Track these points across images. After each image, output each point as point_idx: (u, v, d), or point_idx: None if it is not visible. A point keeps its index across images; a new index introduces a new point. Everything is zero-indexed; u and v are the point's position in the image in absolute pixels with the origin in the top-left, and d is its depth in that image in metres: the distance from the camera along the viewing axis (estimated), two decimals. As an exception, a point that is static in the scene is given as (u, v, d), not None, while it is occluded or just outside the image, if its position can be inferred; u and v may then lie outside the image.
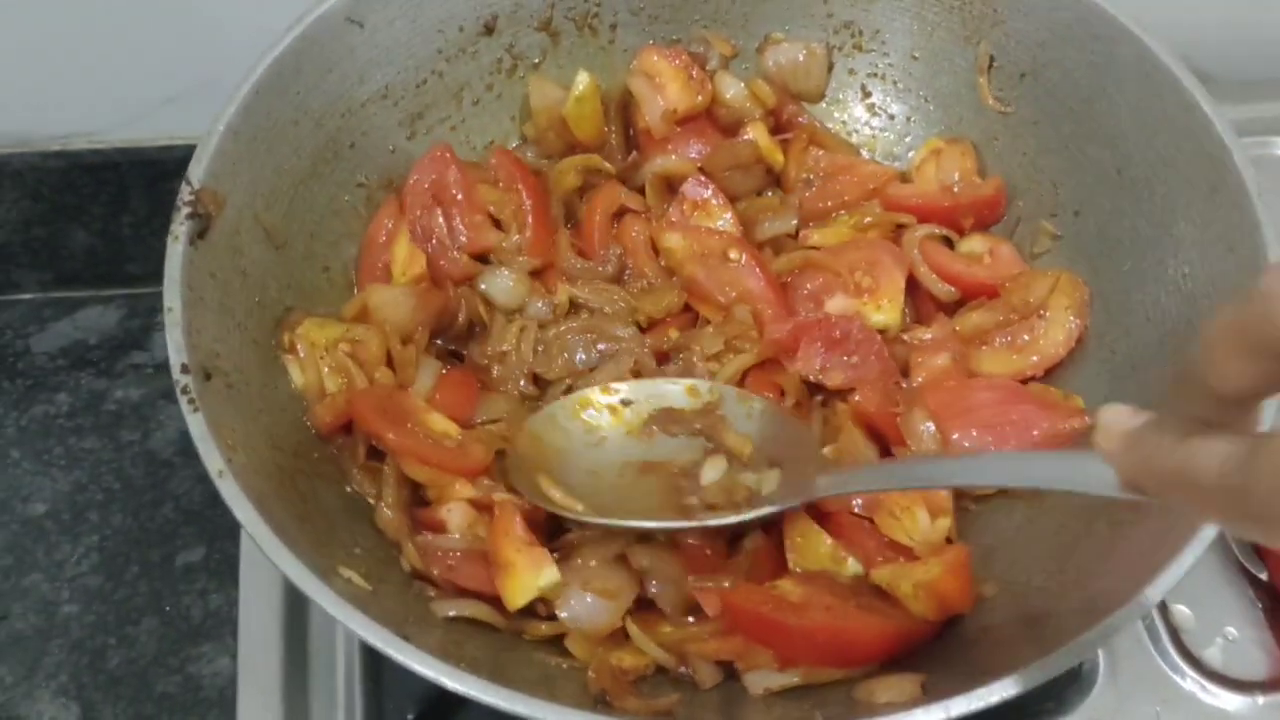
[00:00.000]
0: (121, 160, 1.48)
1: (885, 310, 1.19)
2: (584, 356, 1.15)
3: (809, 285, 1.21)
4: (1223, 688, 1.15)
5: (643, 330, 1.17)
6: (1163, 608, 1.19)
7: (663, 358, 1.16)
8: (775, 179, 1.30)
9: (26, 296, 1.59)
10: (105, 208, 1.52)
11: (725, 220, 1.23)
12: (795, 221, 1.24)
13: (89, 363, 1.55)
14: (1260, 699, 1.15)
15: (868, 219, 1.25)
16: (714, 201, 1.23)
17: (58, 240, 1.54)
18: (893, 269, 1.20)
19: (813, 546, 1.04)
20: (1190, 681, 1.15)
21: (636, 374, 1.13)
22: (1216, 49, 1.54)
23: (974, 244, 1.26)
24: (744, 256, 1.19)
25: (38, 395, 1.51)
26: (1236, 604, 1.21)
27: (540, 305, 1.17)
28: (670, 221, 1.23)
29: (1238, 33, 1.55)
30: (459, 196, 1.20)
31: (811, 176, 1.28)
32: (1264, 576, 1.20)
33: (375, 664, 1.15)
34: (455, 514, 1.05)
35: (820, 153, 1.29)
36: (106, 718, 1.30)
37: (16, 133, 1.45)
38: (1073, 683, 1.16)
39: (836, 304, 1.19)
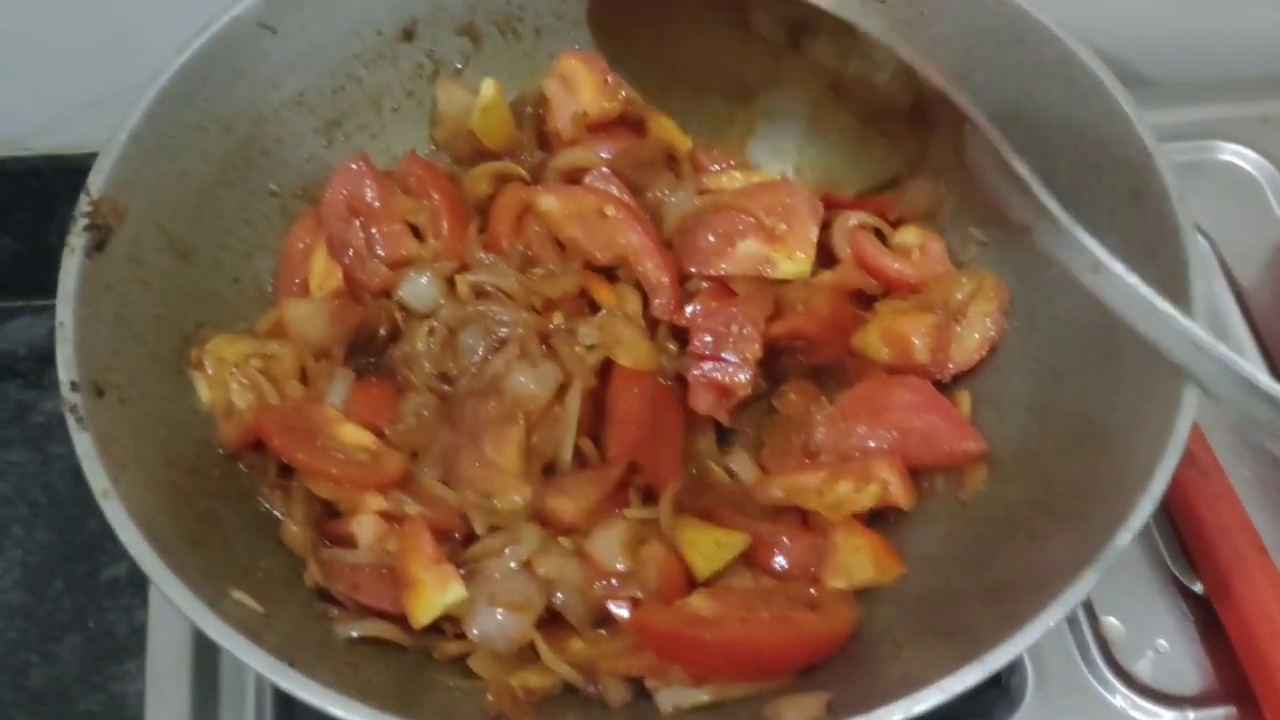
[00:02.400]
0: (45, 167, 1.47)
1: (796, 261, 1.17)
2: (482, 346, 1.12)
3: (720, 228, 1.18)
4: (1153, 702, 1.14)
5: (540, 314, 1.15)
6: (1093, 620, 1.17)
7: (545, 340, 1.14)
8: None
9: (-48, 308, 1.57)
10: (30, 214, 1.50)
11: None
12: (696, 199, 1.21)
13: (17, 374, 1.53)
14: (1191, 714, 1.13)
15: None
16: (615, 191, 1.20)
17: (-18, 249, 1.53)
18: (807, 218, 1.18)
19: (701, 542, 1.04)
20: (1120, 696, 1.14)
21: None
22: (1155, 53, 1.54)
23: (908, 236, 1.24)
24: (620, 211, 1.17)
25: (-37, 407, 1.49)
26: (1169, 616, 1.19)
27: (453, 308, 1.14)
28: (546, 185, 1.21)
29: (1176, 37, 1.55)
30: (376, 207, 1.18)
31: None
32: (1198, 589, 1.19)
33: (287, 684, 1.13)
34: (365, 527, 1.03)
35: None
36: (27, 736, 1.28)
37: (-66, 139, 1.43)
38: (1001, 698, 1.14)
39: (747, 247, 1.17)
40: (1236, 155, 1.49)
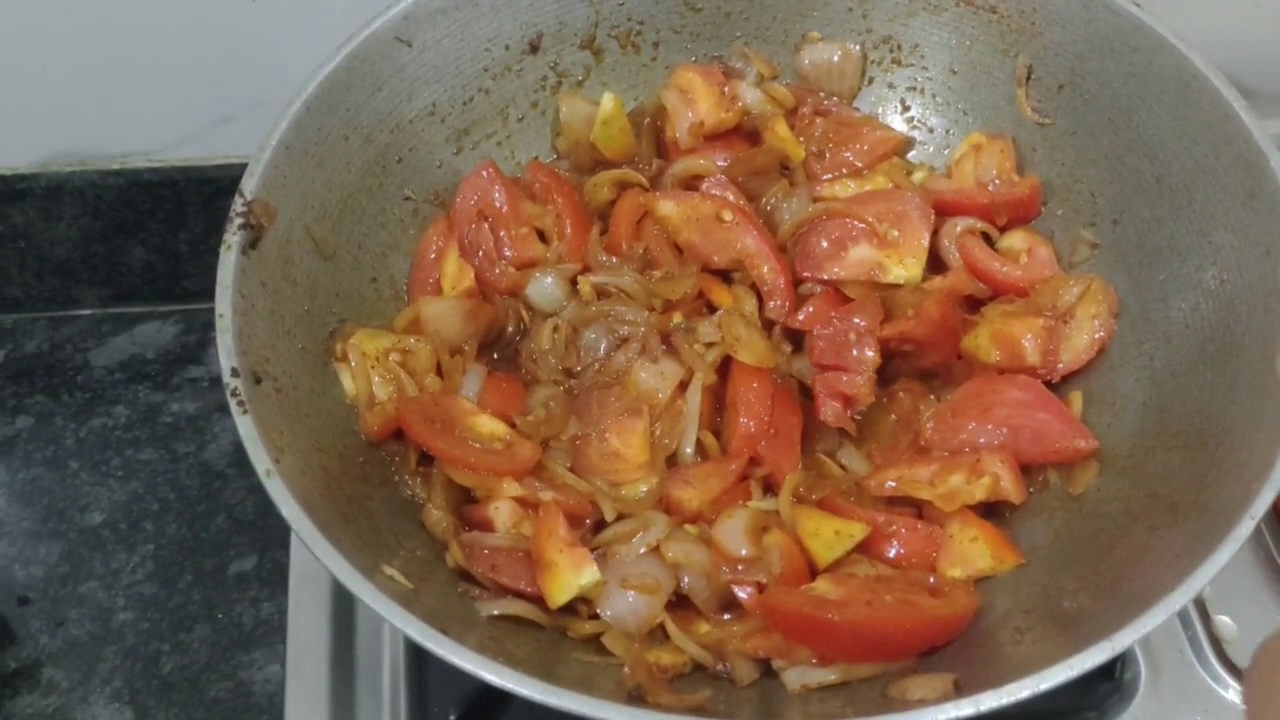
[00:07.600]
0: (179, 178, 1.53)
1: (907, 266, 1.20)
2: (605, 343, 1.17)
3: (834, 234, 1.21)
4: (1266, 698, 1.15)
5: (660, 314, 1.19)
6: (1205, 618, 1.19)
7: (666, 339, 1.17)
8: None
9: (87, 312, 1.64)
10: (163, 224, 1.57)
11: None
12: (809, 206, 1.25)
13: (146, 376, 1.59)
14: (1305, 709, 1.14)
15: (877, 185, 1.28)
16: (731, 197, 1.24)
17: (117, 257, 1.59)
18: (919, 225, 1.21)
19: (822, 531, 1.07)
20: (1233, 692, 1.15)
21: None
22: (1261, 65, 1.55)
23: (1015, 240, 1.27)
24: (736, 216, 1.21)
25: (96, 408, 1.56)
26: (1281, 615, 1.20)
27: (576, 308, 1.19)
28: (664, 192, 1.26)
29: (1282, 48, 1.56)
30: (505, 211, 1.23)
31: (821, 149, 1.31)
32: (1310, 588, 1.20)
33: (420, 666, 1.17)
34: (502, 512, 1.08)
35: (822, 121, 1.32)
36: (159, 722, 1.33)
37: (77, 151, 1.50)
38: (1115, 692, 1.15)
39: (860, 253, 1.20)
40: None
